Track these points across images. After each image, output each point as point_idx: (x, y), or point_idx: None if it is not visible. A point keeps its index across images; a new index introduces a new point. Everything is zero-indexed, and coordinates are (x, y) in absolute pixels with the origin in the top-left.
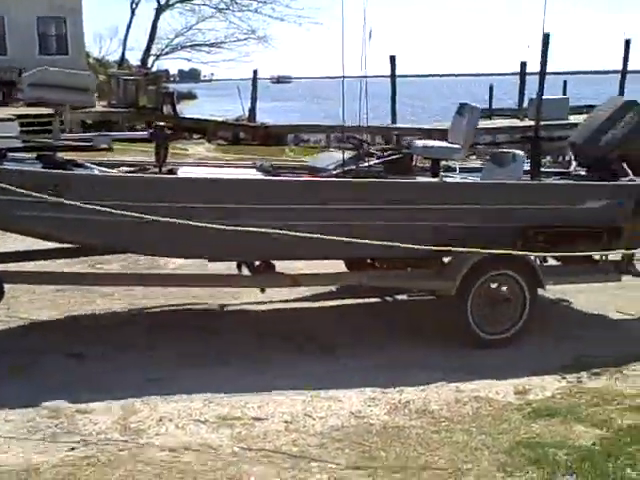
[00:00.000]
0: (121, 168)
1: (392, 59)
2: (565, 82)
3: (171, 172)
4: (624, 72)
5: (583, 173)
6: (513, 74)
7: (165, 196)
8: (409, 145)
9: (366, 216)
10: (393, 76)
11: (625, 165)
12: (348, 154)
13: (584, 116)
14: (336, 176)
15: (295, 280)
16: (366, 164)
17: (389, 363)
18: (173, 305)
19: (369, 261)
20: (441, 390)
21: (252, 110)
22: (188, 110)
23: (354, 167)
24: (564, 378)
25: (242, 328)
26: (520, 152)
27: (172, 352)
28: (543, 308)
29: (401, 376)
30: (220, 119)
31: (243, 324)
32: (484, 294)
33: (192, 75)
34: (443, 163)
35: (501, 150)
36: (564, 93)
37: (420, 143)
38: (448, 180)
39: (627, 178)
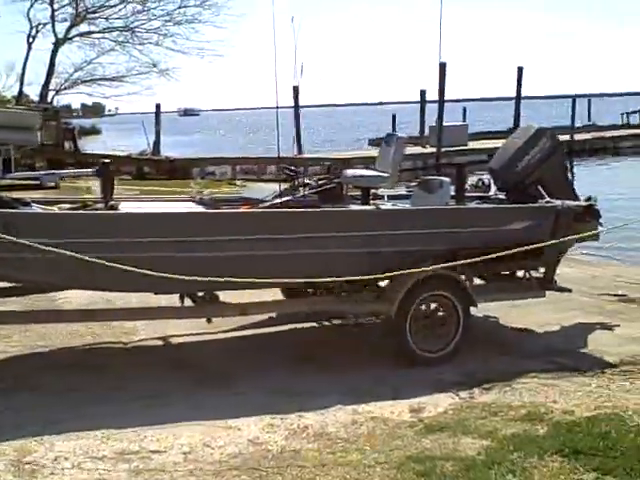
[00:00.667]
0: (61, 205)
1: (295, 90)
2: (465, 109)
3: (112, 208)
4: (518, 98)
5: (502, 197)
6: (414, 102)
7: (108, 232)
8: (340, 174)
9: (305, 244)
10: (297, 107)
11: (540, 188)
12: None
13: (483, 142)
14: (275, 206)
15: (243, 309)
16: (301, 194)
17: (289, 390)
18: (72, 345)
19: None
20: (339, 413)
21: (156, 144)
22: (91, 145)
23: (291, 197)
24: (457, 395)
25: (139, 363)
26: (447, 179)
27: (67, 391)
28: None
29: (301, 402)
30: (123, 153)
31: (140, 359)
32: (421, 315)
33: (96, 109)
34: (372, 191)
35: (428, 177)
36: (464, 119)
37: (350, 172)
38: (382, 207)
39: (544, 200)
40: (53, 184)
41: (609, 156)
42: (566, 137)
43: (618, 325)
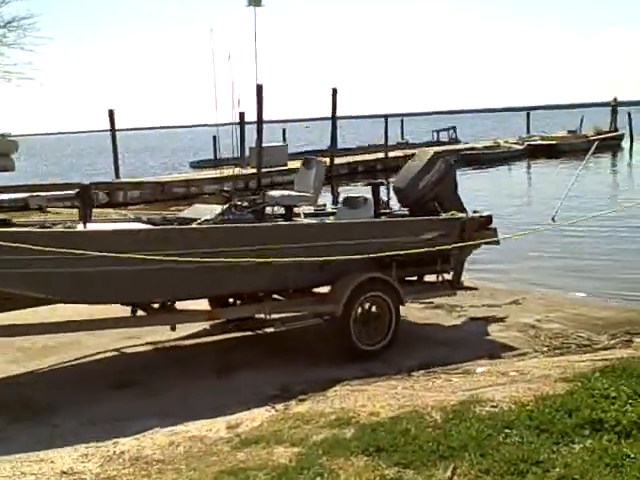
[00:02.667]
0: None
1: (111, 113)
2: (284, 130)
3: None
4: (334, 118)
5: (406, 212)
6: (234, 124)
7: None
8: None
9: (257, 255)
10: (113, 130)
11: (437, 204)
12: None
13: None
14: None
15: (212, 315)
16: (239, 213)
17: (106, 418)
18: None
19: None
20: (156, 436)
21: None
22: None
23: (230, 217)
24: (274, 407)
25: None
26: (369, 196)
27: None
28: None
29: (118, 428)
30: None
31: None
32: (361, 313)
33: None
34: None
35: (352, 195)
36: (284, 140)
37: (277, 193)
38: (326, 221)
39: (448, 214)
40: (38, 206)
41: None
42: (380, 155)
43: (426, 330)
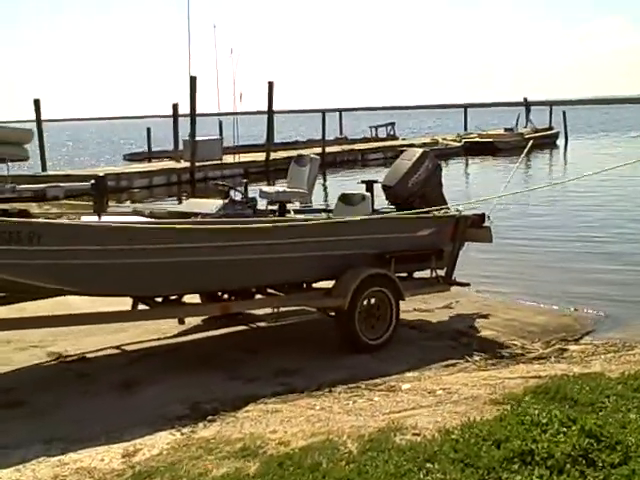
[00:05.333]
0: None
1: (36, 103)
2: (220, 122)
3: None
4: (270, 112)
5: (393, 209)
6: (167, 116)
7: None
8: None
9: (269, 250)
10: (39, 121)
11: (423, 201)
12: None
13: (241, 155)
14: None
15: (224, 308)
16: (239, 207)
17: None
18: None
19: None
20: (39, 467)
21: None
22: None
23: (233, 211)
24: (179, 430)
25: None
26: (367, 193)
27: None
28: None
29: None
30: None
31: None
32: (365, 308)
33: None
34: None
35: (350, 192)
36: (220, 133)
37: (272, 189)
38: (334, 218)
39: (441, 212)
40: (54, 197)
41: (358, 168)
42: (318, 150)
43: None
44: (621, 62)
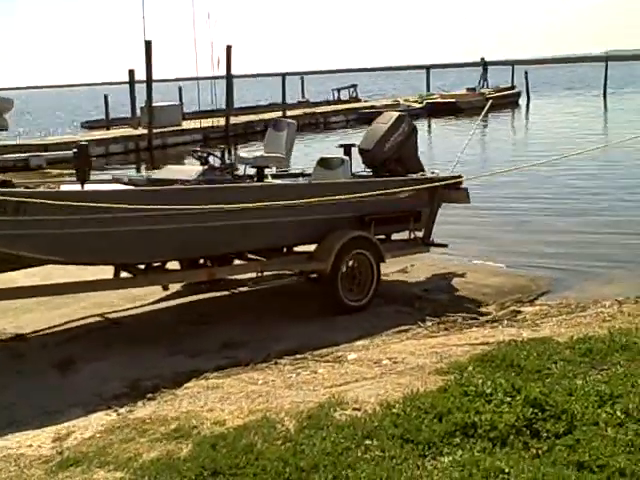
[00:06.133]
0: None
1: None
2: (180, 88)
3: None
4: (229, 77)
5: (370, 172)
6: (124, 83)
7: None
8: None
9: (252, 215)
10: None
11: (400, 164)
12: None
13: (201, 121)
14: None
15: (210, 273)
16: (218, 173)
17: None
18: None
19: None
20: None
21: None
22: None
23: (214, 177)
24: (116, 411)
25: None
26: (346, 157)
27: None
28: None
29: None
30: None
31: None
32: (347, 270)
33: None
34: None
35: (329, 156)
36: (180, 100)
37: (249, 155)
38: (314, 182)
39: (420, 174)
40: (38, 166)
41: (320, 131)
42: (279, 113)
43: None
44: (587, 20)
